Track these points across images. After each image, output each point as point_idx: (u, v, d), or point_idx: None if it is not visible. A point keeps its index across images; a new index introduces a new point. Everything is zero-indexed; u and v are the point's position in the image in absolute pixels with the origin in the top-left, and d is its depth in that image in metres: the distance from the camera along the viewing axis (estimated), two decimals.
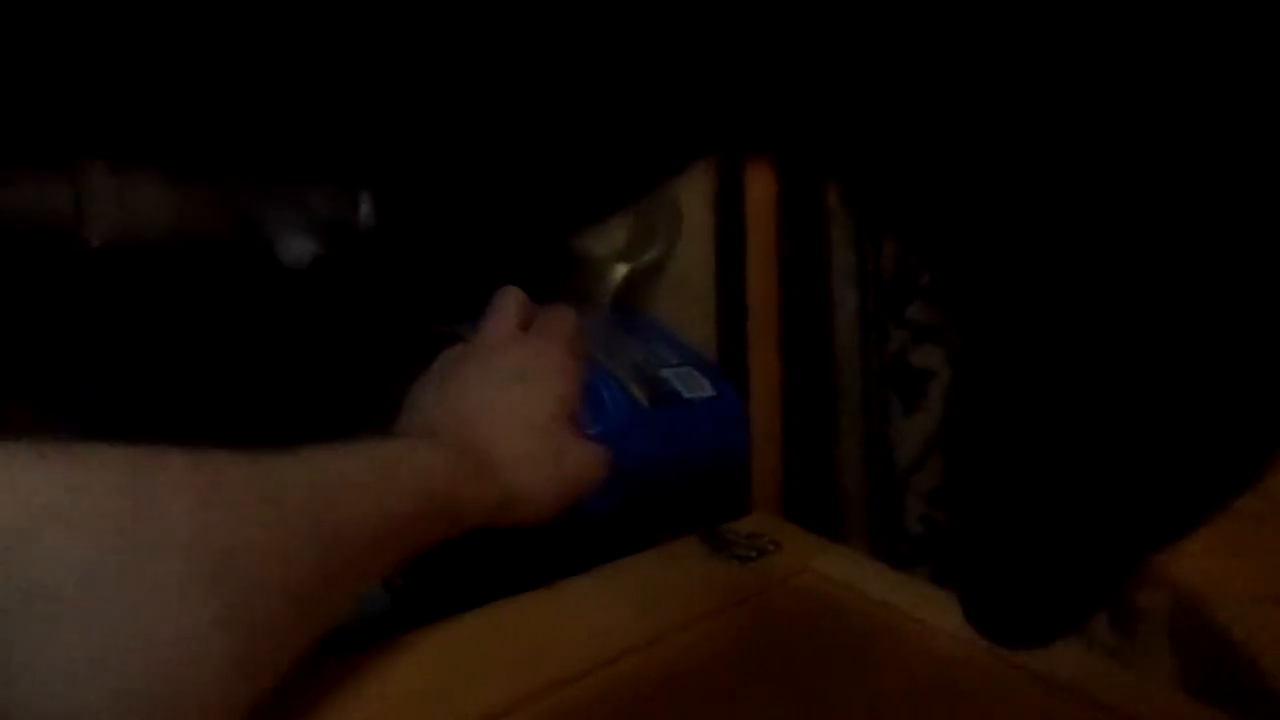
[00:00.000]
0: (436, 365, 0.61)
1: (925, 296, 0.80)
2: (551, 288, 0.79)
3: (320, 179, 0.67)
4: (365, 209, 0.67)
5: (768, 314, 0.75)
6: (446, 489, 0.50)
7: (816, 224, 0.76)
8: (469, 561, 0.67)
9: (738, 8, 0.22)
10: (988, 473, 0.28)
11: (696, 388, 0.72)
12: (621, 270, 0.77)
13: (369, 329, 0.71)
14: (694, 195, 0.77)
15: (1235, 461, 0.26)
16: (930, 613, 0.60)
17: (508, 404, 0.57)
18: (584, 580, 0.60)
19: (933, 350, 0.80)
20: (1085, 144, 0.21)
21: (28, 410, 0.62)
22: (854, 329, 0.79)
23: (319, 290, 0.68)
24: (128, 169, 0.63)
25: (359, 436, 0.49)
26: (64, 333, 0.64)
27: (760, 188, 0.74)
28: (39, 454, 0.36)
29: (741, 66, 0.23)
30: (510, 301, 0.64)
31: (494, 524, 0.54)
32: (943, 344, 0.80)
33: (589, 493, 0.63)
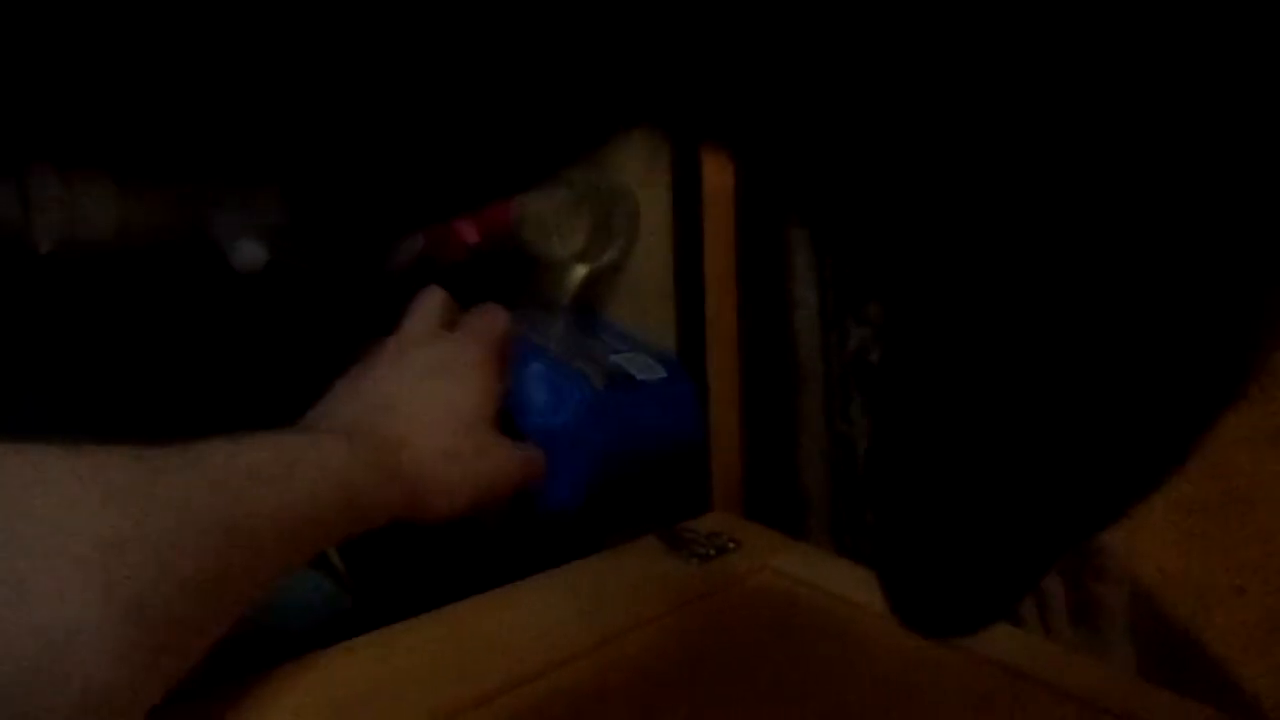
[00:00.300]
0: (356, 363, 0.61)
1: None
2: (511, 291, 0.79)
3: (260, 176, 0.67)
4: (319, 211, 0.66)
5: (726, 312, 0.75)
6: (348, 482, 0.50)
7: (776, 222, 0.76)
8: (425, 560, 0.66)
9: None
10: (912, 462, 0.28)
11: (649, 370, 0.73)
12: (580, 272, 0.77)
13: (320, 335, 0.70)
14: (651, 194, 0.77)
15: (1154, 453, 0.26)
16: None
17: (422, 399, 0.57)
18: (539, 580, 0.60)
19: None
20: (1002, 140, 0.21)
21: None
22: (814, 327, 0.79)
23: (270, 296, 0.68)
24: (75, 173, 0.63)
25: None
26: (11, 338, 0.63)
27: (718, 185, 0.73)
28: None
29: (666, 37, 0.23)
30: (432, 300, 0.64)
31: (406, 519, 0.54)
32: None
33: (549, 483, 0.63)
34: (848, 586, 0.62)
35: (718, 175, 0.73)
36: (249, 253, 0.62)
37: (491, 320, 0.63)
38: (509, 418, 0.65)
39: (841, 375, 0.80)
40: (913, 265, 0.24)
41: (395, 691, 0.48)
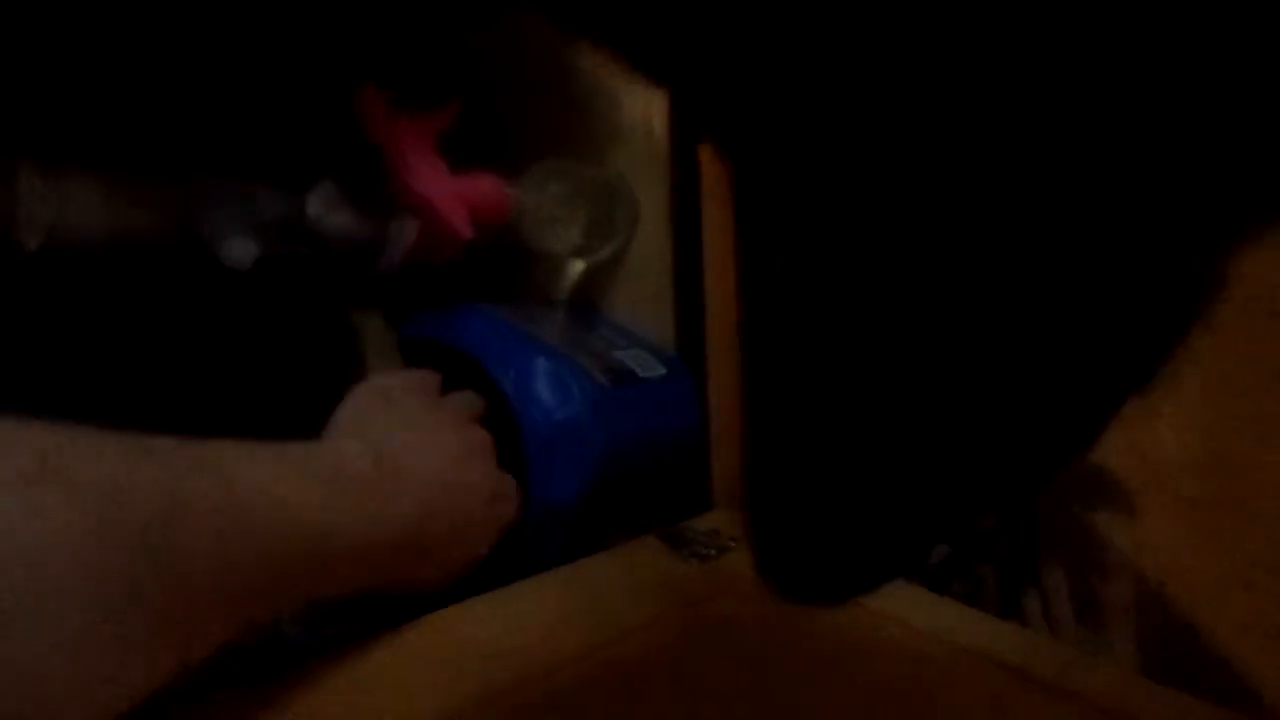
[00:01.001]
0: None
1: None
2: (510, 285, 0.78)
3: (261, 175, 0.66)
4: (313, 206, 0.65)
5: (726, 307, 0.74)
6: (363, 500, 0.48)
7: None
8: None
9: None
10: (790, 424, 0.26)
11: (650, 367, 0.72)
12: (578, 267, 0.76)
13: (313, 332, 0.69)
14: (650, 188, 0.76)
15: (1047, 434, 0.24)
16: (899, 610, 0.59)
17: (419, 425, 0.57)
18: (539, 581, 0.59)
19: None
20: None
21: None
22: None
23: (262, 293, 0.67)
24: (63, 170, 0.61)
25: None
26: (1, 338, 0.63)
27: (717, 178, 0.72)
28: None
29: None
30: (423, 374, 0.65)
31: (409, 549, 0.52)
32: None
33: (552, 480, 0.63)
34: None
35: (717, 168, 0.72)
36: (240, 249, 0.61)
37: (468, 400, 0.64)
38: (510, 413, 0.64)
39: None
40: (810, 200, 0.22)
41: (397, 691, 0.47)
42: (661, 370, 0.72)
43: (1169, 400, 0.70)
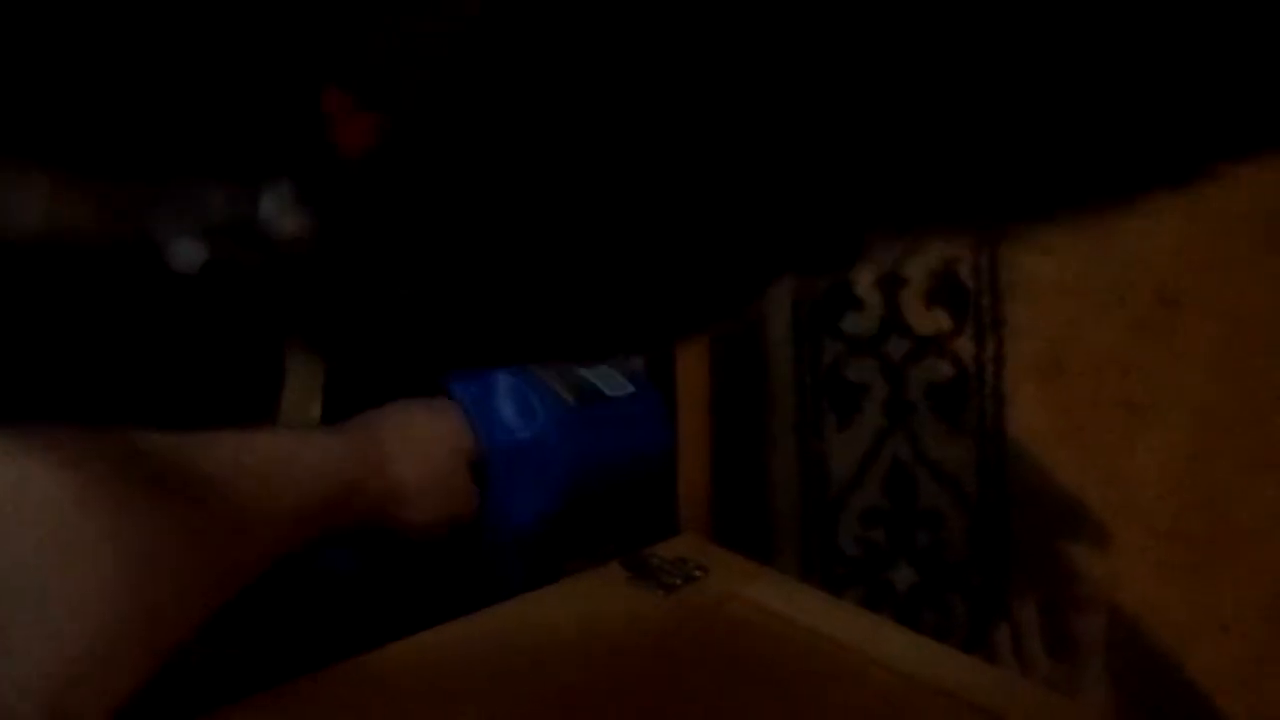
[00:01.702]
0: None
1: (859, 307, 0.77)
2: None
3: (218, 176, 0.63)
4: (265, 207, 0.62)
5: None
6: (339, 478, 0.53)
7: None
8: (383, 584, 0.63)
9: None
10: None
11: (617, 386, 0.69)
12: None
13: (262, 340, 0.66)
14: None
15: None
16: (867, 642, 0.57)
17: (403, 419, 0.60)
18: (499, 611, 0.56)
19: (868, 363, 0.77)
20: None
21: None
22: (787, 341, 0.76)
23: (210, 298, 0.63)
24: (5, 164, 0.58)
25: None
26: None
27: None
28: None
29: None
30: None
31: (387, 520, 0.56)
32: (878, 357, 0.77)
33: (512, 502, 0.60)
34: (819, 618, 0.59)
35: None
36: (187, 252, 0.57)
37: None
38: (474, 430, 0.62)
39: (814, 391, 0.77)
40: None
41: None
42: (629, 389, 0.69)
43: (1152, 429, 0.69)
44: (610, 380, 0.69)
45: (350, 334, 0.46)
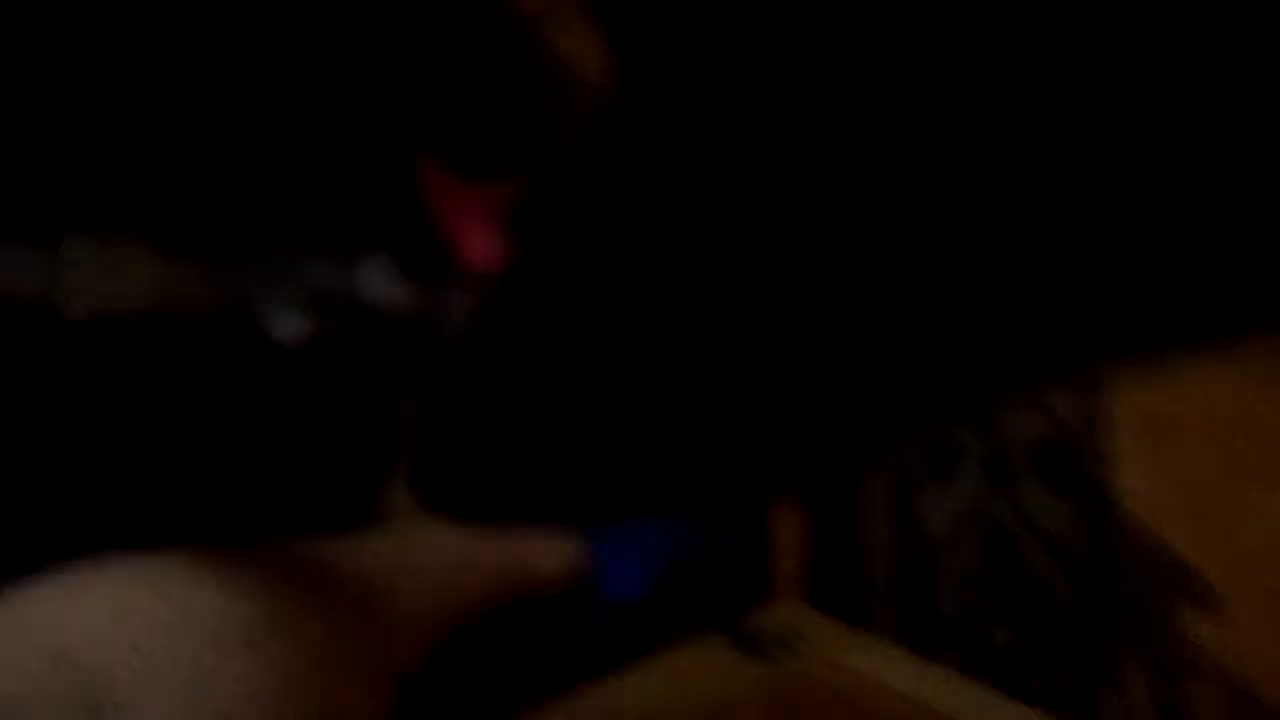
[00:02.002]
0: None
1: None
2: None
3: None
4: (362, 278, 0.63)
5: None
6: (492, 561, 0.55)
7: None
8: (491, 662, 0.62)
9: None
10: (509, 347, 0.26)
11: None
12: None
13: (367, 411, 0.67)
14: None
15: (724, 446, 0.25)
16: (970, 712, 0.55)
17: None
18: (605, 685, 0.56)
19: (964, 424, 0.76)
20: None
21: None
22: None
23: (314, 369, 0.64)
24: (112, 237, 0.59)
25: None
26: (40, 410, 0.60)
27: None
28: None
29: None
30: None
31: (523, 587, 0.57)
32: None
33: (614, 573, 0.60)
34: (919, 685, 0.58)
35: None
36: (292, 324, 0.58)
37: None
38: None
39: (911, 448, 0.76)
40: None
41: None
42: None
43: (1266, 489, 0.66)
44: None
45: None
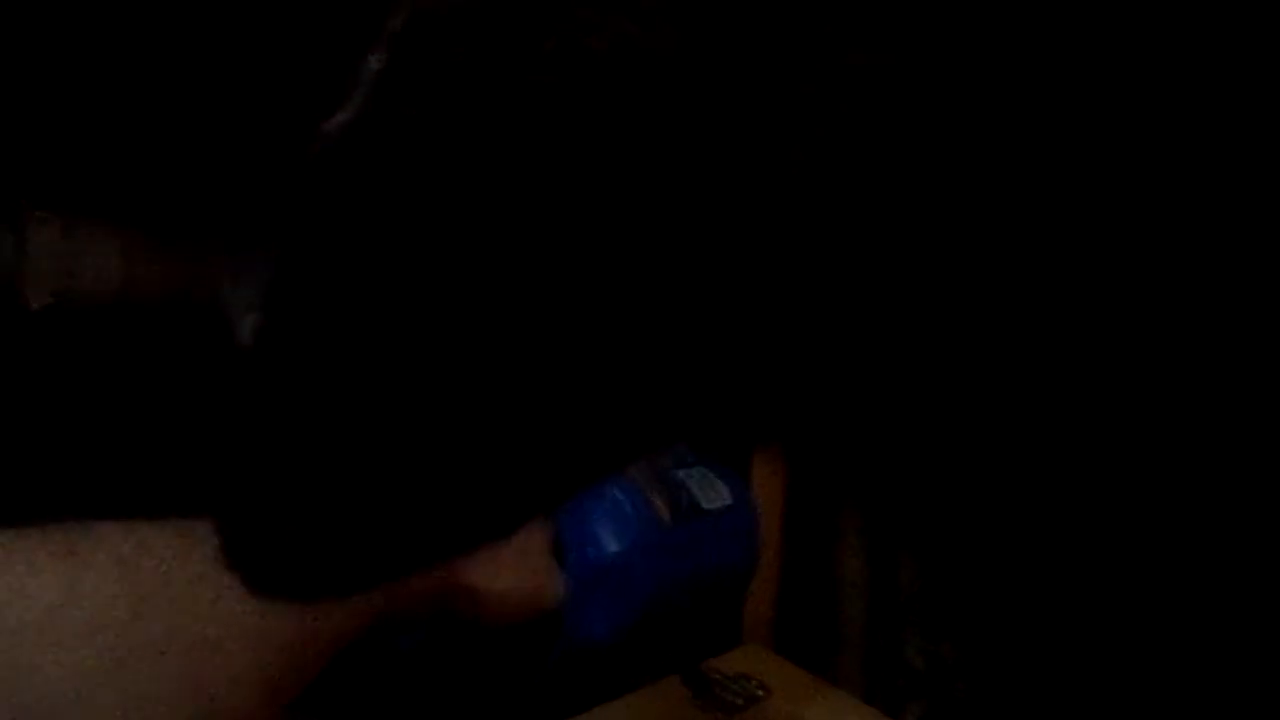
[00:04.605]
0: None
1: None
2: None
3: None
4: None
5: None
6: None
7: None
8: (443, 669, 0.61)
9: None
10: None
11: (714, 496, 0.64)
12: None
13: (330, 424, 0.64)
14: None
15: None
16: None
17: None
18: None
19: None
20: None
21: None
22: None
23: (276, 376, 0.62)
24: (80, 222, 0.57)
25: None
26: (3, 395, 0.58)
27: None
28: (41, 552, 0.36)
29: None
30: None
31: (460, 590, 0.52)
32: None
33: (586, 616, 0.57)
34: None
35: None
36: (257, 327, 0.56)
37: None
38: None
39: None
40: None
41: None
42: (727, 500, 0.65)
43: None
44: (709, 491, 0.64)
45: None
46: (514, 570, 0.55)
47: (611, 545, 0.56)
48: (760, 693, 0.60)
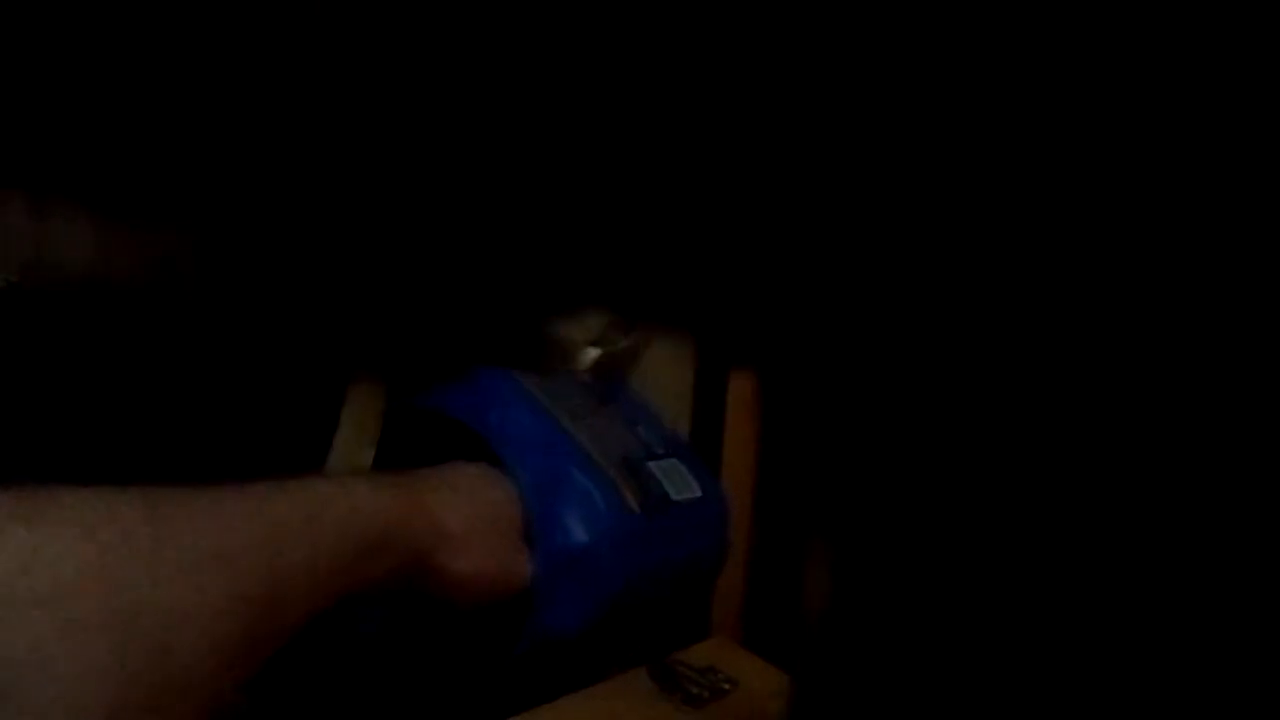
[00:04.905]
0: None
1: None
2: (519, 364, 0.73)
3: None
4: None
5: (745, 416, 0.69)
6: (376, 526, 0.49)
7: None
8: (405, 652, 0.60)
9: None
10: None
11: (684, 487, 0.64)
12: (592, 354, 0.71)
13: (304, 395, 0.64)
14: None
15: None
16: None
17: (451, 469, 0.57)
18: None
19: None
20: None
21: None
22: None
23: (250, 349, 0.61)
24: (49, 201, 0.57)
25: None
26: None
27: None
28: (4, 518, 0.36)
29: None
30: None
31: (432, 570, 0.52)
32: None
33: (555, 606, 0.57)
34: None
35: None
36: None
37: None
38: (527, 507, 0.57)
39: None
40: None
41: None
42: (696, 492, 0.65)
43: None
44: (679, 482, 0.64)
45: None
46: (482, 552, 0.54)
47: (581, 535, 0.56)
48: (727, 686, 0.60)
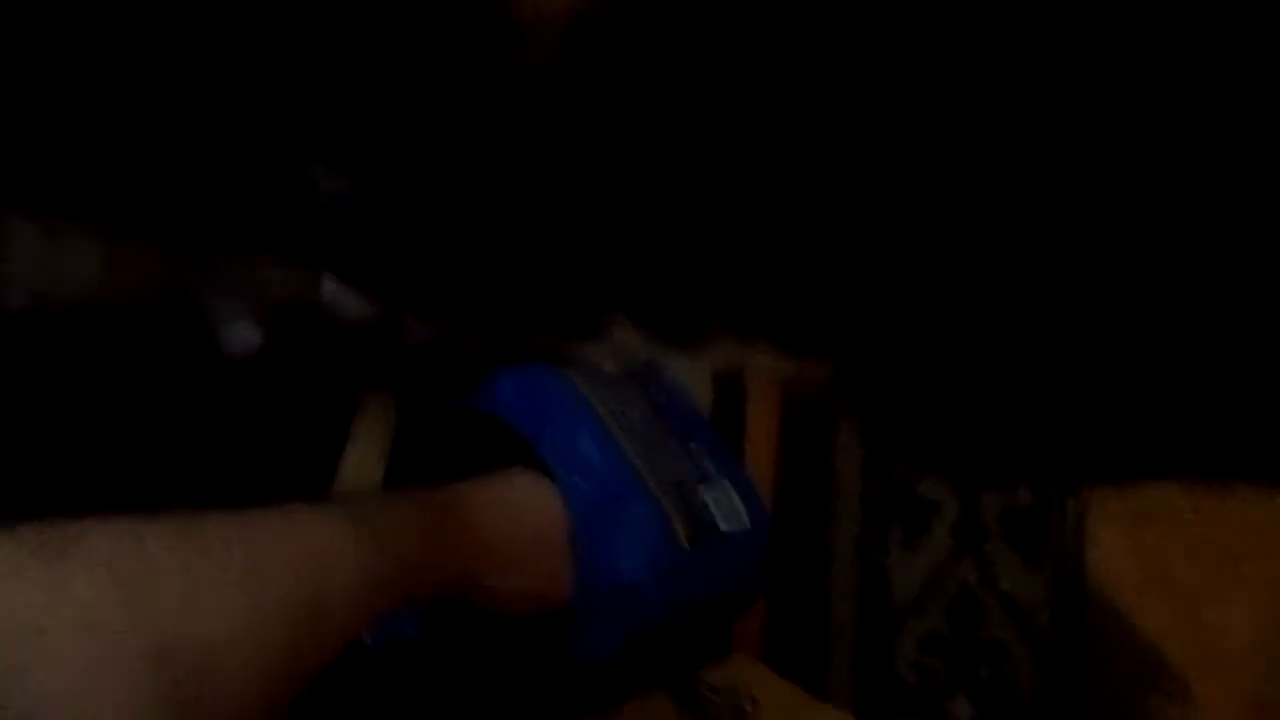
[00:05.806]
0: None
1: None
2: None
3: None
4: (329, 289, 0.60)
5: (766, 434, 0.68)
6: (401, 550, 0.48)
7: None
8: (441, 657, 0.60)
9: None
10: None
11: (733, 517, 0.62)
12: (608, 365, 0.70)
13: (313, 430, 0.64)
14: None
15: None
16: None
17: (492, 479, 0.56)
18: None
19: (940, 480, 0.73)
20: None
21: None
22: (855, 453, 0.73)
23: (263, 386, 0.61)
24: (58, 224, 0.56)
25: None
26: None
27: None
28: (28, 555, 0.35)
29: None
30: None
31: (471, 584, 0.52)
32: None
33: (591, 633, 0.56)
34: None
35: None
36: (242, 335, 0.55)
37: None
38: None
39: (881, 503, 0.74)
40: None
41: None
42: (744, 523, 0.63)
43: (1243, 585, 0.64)
44: (729, 511, 0.62)
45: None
46: (527, 572, 0.54)
47: (627, 568, 0.55)
48: (748, 707, 0.59)
